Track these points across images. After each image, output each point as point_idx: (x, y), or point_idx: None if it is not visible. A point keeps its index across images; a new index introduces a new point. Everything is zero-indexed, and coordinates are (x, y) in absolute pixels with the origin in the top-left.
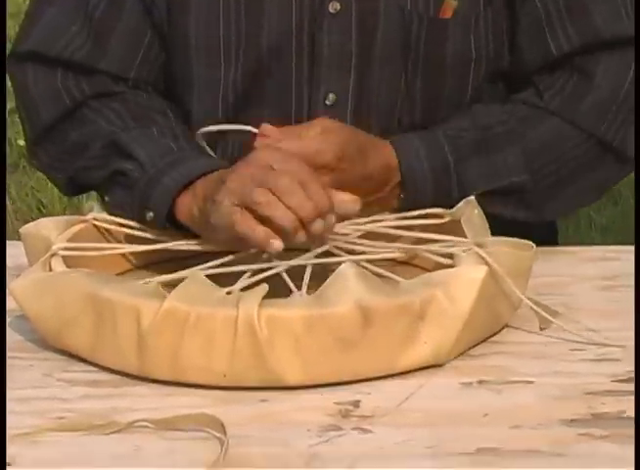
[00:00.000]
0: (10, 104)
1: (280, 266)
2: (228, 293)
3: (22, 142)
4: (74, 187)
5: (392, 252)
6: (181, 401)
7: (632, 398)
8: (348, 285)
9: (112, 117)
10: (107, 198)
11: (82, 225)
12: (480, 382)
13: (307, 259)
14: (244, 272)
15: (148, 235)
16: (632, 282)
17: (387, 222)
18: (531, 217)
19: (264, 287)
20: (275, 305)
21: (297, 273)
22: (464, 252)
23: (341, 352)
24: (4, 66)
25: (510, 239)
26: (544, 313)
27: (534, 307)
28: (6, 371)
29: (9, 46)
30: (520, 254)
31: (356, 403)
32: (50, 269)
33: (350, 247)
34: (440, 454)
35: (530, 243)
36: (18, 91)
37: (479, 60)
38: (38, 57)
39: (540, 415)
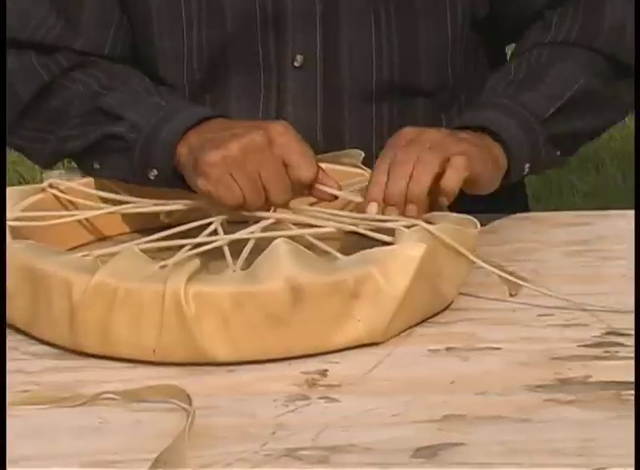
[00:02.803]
0: None
1: (221, 240)
2: (162, 267)
3: None
4: (56, 157)
5: (334, 226)
6: (147, 373)
7: (599, 362)
8: (280, 262)
9: (90, 81)
10: (96, 165)
11: (41, 195)
12: (448, 349)
13: (252, 233)
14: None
15: (107, 202)
16: (601, 247)
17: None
18: (615, 116)
19: (195, 262)
20: (204, 280)
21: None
22: (408, 227)
23: (270, 330)
24: (4, 65)
25: (455, 215)
26: (513, 279)
27: (502, 274)
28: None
29: None
30: (464, 231)
31: (324, 373)
32: None
33: (300, 219)
34: (407, 422)
35: (474, 220)
36: None
37: (453, 5)
38: (10, 42)
39: (506, 381)
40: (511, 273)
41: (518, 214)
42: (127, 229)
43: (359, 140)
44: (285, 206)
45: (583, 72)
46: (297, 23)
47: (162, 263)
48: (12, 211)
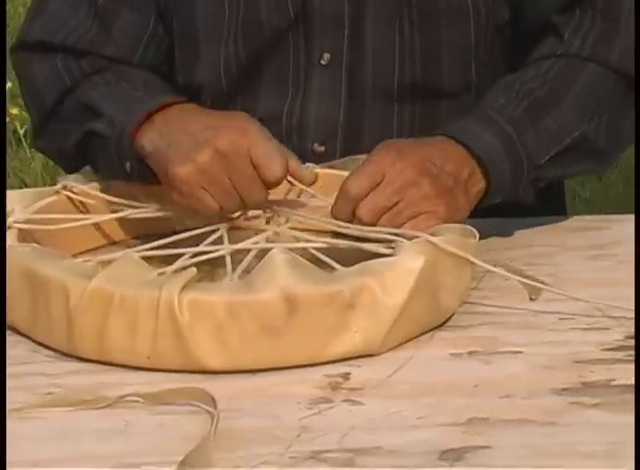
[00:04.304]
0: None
1: (223, 250)
2: (160, 274)
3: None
4: (64, 155)
5: (332, 242)
6: (170, 376)
7: (622, 366)
8: (275, 271)
9: (101, 82)
10: (93, 167)
11: (54, 197)
12: (470, 353)
13: (254, 244)
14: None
15: (119, 205)
16: (618, 251)
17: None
18: (601, 166)
19: (192, 270)
20: (199, 289)
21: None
22: (410, 239)
23: (265, 340)
24: (4, 66)
25: (454, 225)
26: (533, 283)
27: (521, 279)
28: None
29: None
30: (465, 241)
31: (346, 376)
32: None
33: (300, 235)
34: (431, 425)
35: (474, 230)
36: (23, 79)
37: (477, 11)
38: (43, 46)
39: (531, 385)
40: (530, 277)
41: (533, 218)
42: (139, 233)
43: (379, 139)
44: (261, 206)
45: (587, 118)
46: (326, 23)
47: (161, 271)
48: (23, 213)
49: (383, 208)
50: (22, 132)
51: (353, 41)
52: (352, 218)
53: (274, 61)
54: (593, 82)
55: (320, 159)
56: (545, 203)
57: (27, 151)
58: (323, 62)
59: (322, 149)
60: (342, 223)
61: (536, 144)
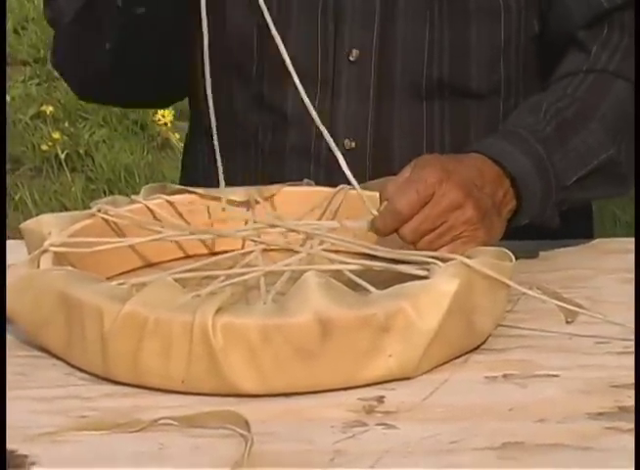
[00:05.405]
0: (33, 109)
1: (256, 272)
2: (195, 297)
3: (45, 147)
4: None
5: (366, 264)
6: (204, 399)
7: None
8: (309, 295)
9: None
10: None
11: (89, 220)
12: (505, 376)
13: (288, 266)
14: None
15: (156, 228)
16: None
17: None
18: (625, 189)
19: (227, 293)
20: (233, 312)
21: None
22: (445, 262)
23: (299, 363)
24: (4, 66)
25: (490, 248)
26: (569, 306)
27: (557, 302)
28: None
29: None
30: (501, 264)
31: (380, 399)
32: (38, 266)
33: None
34: (466, 449)
35: (509, 253)
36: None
37: (508, 10)
38: None
39: (566, 409)
40: (566, 300)
41: (569, 240)
42: (175, 255)
43: (409, 136)
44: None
45: (612, 139)
46: (356, 18)
47: (196, 293)
48: (59, 237)
49: (426, 230)
50: (62, 157)
51: (383, 36)
52: (394, 234)
53: (301, 51)
54: (620, 101)
55: (351, 154)
56: (569, 225)
57: (68, 175)
58: (352, 58)
59: (352, 144)
60: (375, 246)
61: (564, 165)
